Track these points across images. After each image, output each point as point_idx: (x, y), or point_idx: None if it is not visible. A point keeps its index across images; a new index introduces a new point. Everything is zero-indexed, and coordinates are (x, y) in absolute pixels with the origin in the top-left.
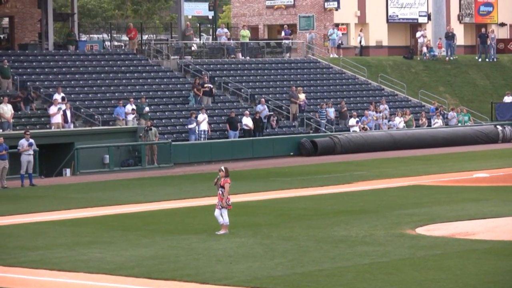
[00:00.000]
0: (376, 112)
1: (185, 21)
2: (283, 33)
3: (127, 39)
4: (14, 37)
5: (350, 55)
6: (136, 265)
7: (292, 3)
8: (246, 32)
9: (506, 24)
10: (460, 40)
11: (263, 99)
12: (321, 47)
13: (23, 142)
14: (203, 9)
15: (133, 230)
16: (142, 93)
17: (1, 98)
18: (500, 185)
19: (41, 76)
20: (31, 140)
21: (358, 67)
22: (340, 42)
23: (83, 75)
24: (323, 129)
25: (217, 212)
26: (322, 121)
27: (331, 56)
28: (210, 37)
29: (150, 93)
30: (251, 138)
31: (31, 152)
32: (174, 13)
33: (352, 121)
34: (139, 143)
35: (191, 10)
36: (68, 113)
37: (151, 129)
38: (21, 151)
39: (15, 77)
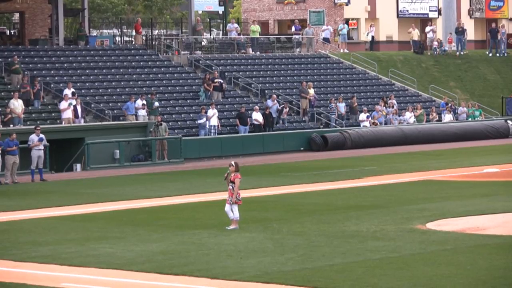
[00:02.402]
0: (387, 107)
1: (195, 16)
2: (293, 28)
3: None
4: (24, 33)
5: (361, 50)
6: (147, 260)
7: None
8: (256, 27)
9: None
10: (470, 35)
11: (274, 95)
12: (331, 42)
13: (33, 138)
14: (213, 4)
15: (143, 225)
16: (152, 88)
17: (12, 93)
18: (510, 180)
19: (52, 72)
20: (42, 136)
21: (369, 62)
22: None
23: (94, 70)
24: (334, 124)
25: (227, 207)
26: (333, 116)
27: (341, 51)
28: (220, 32)
29: (161, 88)
30: (261, 133)
31: (41, 147)
32: (184, 10)
33: (362, 116)
34: (150, 138)
35: (201, 5)
36: (79, 108)
37: (161, 124)
38: (31, 147)
39: (26, 73)
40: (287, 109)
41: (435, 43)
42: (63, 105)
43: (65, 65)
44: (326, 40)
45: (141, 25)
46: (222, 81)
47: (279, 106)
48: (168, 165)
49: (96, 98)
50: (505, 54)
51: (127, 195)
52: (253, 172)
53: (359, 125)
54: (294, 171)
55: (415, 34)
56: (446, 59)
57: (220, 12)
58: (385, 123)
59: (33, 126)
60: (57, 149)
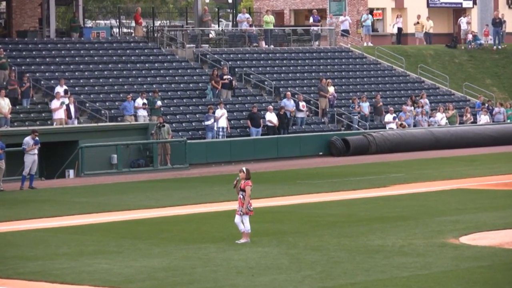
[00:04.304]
0: (415, 107)
1: (202, 5)
2: (311, 19)
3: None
4: (12, 23)
5: (386, 44)
6: (147, 278)
7: None
8: (270, 18)
9: None
10: (509, 27)
11: (288, 93)
12: (353, 35)
13: (28, 141)
14: None
15: (144, 238)
16: (154, 86)
17: None
18: None
19: (42, 67)
20: (37, 138)
21: (395, 57)
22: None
23: (89, 65)
24: (356, 126)
25: (237, 218)
26: (355, 117)
27: (365, 44)
28: (230, 23)
29: (163, 85)
30: (275, 136)
31: (36, 151)
32: None
33: (388, 117)
34: (151, 141)
35: None
36: (72, 108)
37: (164, 126)
38: (27, 150)
39: (13, 68)
40: (303, 102)
41: (470, 36)
42: (54, 104)
43: (57, 59)
44: (345, 32)
45: (142, 15)
46: (231, 78)
47: (295, 104)
48: (172, 171)
49: (92, 96)
50: None
51: (125, 204)
52: (266, 179)
53: (385, 127)
54: (311, 178)
55: (428, 25)
56: (482, 54)
57: (230, 1)
58: (414, 125)
59: (21, 128)
60: (48, 153)
